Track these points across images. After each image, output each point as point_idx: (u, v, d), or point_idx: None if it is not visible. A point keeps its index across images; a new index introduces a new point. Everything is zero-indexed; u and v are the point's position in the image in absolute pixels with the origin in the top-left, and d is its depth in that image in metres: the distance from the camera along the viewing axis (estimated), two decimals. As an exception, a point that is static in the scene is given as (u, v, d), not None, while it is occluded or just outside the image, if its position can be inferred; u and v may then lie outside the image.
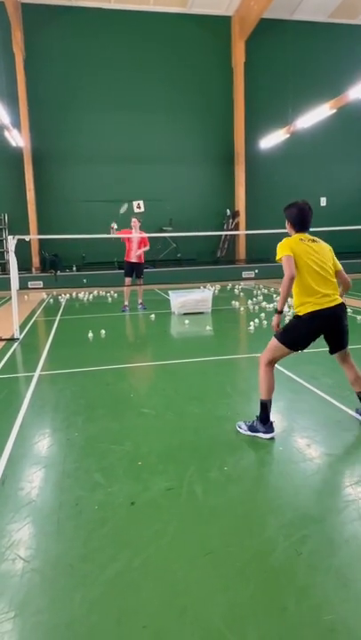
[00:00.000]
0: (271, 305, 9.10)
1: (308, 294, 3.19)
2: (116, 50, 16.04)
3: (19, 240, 7.34)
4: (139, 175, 16.50)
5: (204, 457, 3.07)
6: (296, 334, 3.27)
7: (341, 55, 17.29)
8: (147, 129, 16.45)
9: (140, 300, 9.84)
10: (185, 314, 8.71)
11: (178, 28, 16.29)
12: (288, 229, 3.43)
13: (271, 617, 1.77)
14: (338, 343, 3.37)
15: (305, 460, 3.02)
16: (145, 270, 9.90)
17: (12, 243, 7.17)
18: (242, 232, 16.65)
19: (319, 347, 6.35)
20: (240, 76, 16.59)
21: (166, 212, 16.27)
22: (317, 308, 3.17)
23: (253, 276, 15.78)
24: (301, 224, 3.35)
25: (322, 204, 17.82)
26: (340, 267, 3.36)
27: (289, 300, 3.33)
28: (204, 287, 12.16)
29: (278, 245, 3.24)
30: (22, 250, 12.33)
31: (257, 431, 3.35)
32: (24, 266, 14.33)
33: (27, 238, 11.90)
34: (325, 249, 3.34)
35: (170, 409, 3.99)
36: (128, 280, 9.61)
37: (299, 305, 3.25)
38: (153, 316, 8.80)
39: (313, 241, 3.31)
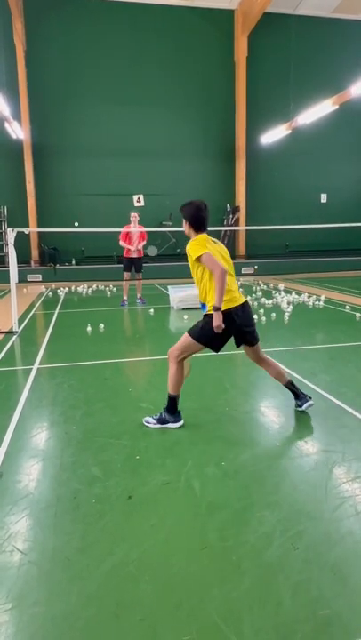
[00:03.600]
0: (271, 301, 9.08)
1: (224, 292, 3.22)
2: (118, 42, 15.92)
3: (18, 233, 7.31)
4: (139, 169, 16.42)
5: (201, 452, 3.08)
6: (213, 333, 3.21)
7: (345, 51, 17.17)
8: (147, 122, 16.35)
9: (139, 295, 9.85)
10: (184, 309, 8.71)
11: (180, 21, 16.16)
12: (186, 230, 3.44)
13: (267, 611, 1.79)
14: (251, 338, 3.46)
15: (302, 456, 3.03)
16: (143, 265, 9.91)
17: (11, 235, 7.14)
18: (242, 227, 16.60)
19: (317, 343, 6.34)
20: (242, 70, 16.48)
21: (166, 207, 16.22)
22: (232, 305, 3.25)
23: (253, 271, 15.74)
24: (203, 224, 3.39)
25: (322, 201, 17.77)
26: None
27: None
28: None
29: (192, 244, 3.24)
30: (21, 243, 12.32)
31: (166, 422, 3.43)
32: (23, 259, 14.31)
33: (26, 231, 11.87)
34: (225, 249, 3.49)
35: (168, 404, 3.99)
36: (127, 275, 9.66)
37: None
38: (152, 310, 8.80)
39: (215, 242, 3.43)
